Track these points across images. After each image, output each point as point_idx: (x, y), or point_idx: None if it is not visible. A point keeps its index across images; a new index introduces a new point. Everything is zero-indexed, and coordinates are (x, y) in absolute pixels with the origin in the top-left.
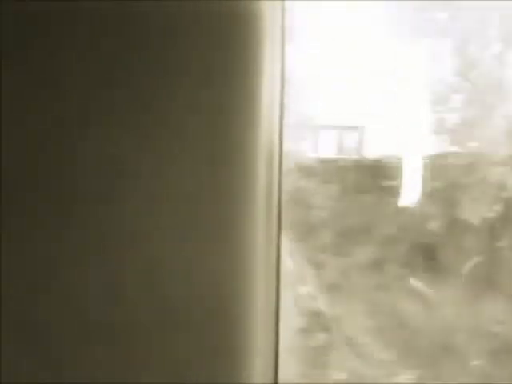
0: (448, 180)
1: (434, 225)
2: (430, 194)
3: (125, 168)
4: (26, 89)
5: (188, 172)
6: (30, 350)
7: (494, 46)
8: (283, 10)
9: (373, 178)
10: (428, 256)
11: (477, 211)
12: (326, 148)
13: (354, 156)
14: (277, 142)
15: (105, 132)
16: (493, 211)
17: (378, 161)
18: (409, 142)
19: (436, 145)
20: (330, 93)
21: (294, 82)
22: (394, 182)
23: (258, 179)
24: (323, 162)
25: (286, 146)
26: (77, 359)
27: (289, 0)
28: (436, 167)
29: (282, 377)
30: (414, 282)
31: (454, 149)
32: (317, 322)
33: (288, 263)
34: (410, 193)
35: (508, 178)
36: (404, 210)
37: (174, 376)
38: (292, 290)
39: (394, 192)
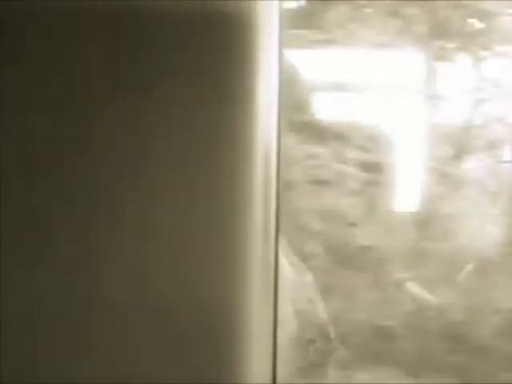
0: None
1: None
2: None
3: (123, 168)
4: (25, 88)
5: (184, 174)
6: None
7: None
8: (280, 10)
9: None
10: None
11: None
12: None
13: None
14: (274, 142)
15: (105, 132)
16: None
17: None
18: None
19: None
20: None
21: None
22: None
23: (254, 181)
24: None
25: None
26: (69, 356)
27: (285, 0)
28: None
29: (279, 377)
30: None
31: None
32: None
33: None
34: None
35: None
36: None
37: (172, 376)
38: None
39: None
